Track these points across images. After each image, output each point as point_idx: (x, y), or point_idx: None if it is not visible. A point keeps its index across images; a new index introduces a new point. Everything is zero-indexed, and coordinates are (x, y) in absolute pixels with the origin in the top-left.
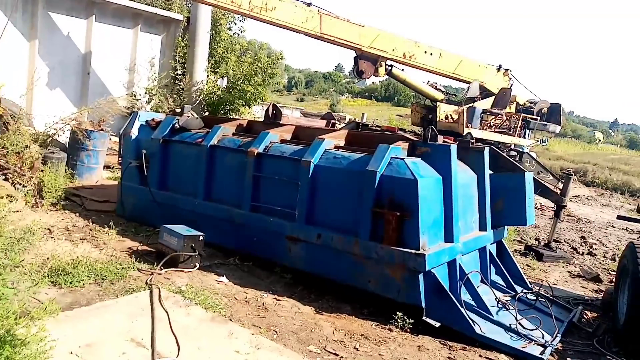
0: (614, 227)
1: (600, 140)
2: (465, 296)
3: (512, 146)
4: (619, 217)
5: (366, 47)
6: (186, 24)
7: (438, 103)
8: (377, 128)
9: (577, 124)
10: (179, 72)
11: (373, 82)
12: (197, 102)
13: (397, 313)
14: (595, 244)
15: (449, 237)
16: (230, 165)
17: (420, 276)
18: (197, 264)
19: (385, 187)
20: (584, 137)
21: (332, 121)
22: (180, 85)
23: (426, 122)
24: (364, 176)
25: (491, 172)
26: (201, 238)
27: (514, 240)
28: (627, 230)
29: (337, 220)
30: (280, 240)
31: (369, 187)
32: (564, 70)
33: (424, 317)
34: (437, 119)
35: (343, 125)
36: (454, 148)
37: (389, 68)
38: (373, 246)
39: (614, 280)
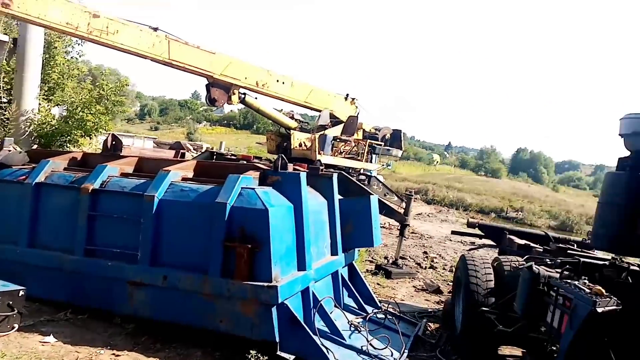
0: (451, 240)
1: (437, 161)
2: (319, 324)
3: (362, 170)
4: (453, 232)
5: (218, 75)
6: (12, 45)
7: (292, 131)
8: (232, 157)
9: (418, 148)
10: (4, 100)
11: (231, 110)
12: (27, 133)
13: (251, 351)
14: (435, 257)
15: (301, 265)
16: (61, 204)
17: (274, 309)
18: (16, 325)
19: (237, 218)
20: (424, 159)
21: (182, 151)
22: (4, 115)
23: (281, 150)
24: (213, 209)
25: (341, 197)
26: (21, 293)
27: (365, 260)
28: (462, 243)
29: (186, 259)
30: (121, 287)
31: (219, 220)
32: (404, 98)
33: (278, 352)
34: (292, 147)
35: (199, 154)
36: (303, 176)
37: (242, 96)
38: (224, 283)
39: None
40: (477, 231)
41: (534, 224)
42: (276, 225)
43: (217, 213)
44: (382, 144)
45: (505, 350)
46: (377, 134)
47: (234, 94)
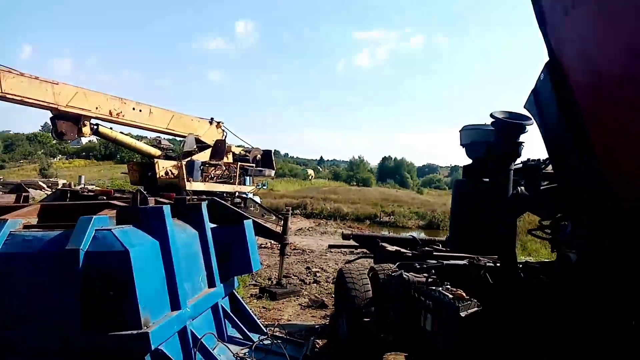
0: (331, 252)
1: (312, 176)
2: None
3: (237, 194)
4: (330, 246)
5: (64, 107)
6: None
7: (155, 159)
8: (90, 193)
9: (293, 164)
10: None
11: (90, 141)
12: None
13: None
14: (318, 271)
15: (175, 305)
16: None
17: (147, 358)
18: None
19: (93, 265)
20: (300, 175)
21: (25, 194)
22: None
23: (147, 180)
24: (64, 257)
25: (214, 225)
26: None
27: (249, 284)
28: (343, 253)
29: (39, 318)
30: None
31: (72, 269)
32: (271, 118)
33: None
34: (157, 176)
35: (48, 194)
36: (167, 208)
37: (95, 127)
38: (87, 337)
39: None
40: (352, 242)
41: (405, 225)
42: (140, 266)
43: (69, 261)
44: (254, 165)
45: (389, 357)
46: (247, 156)
47: (84, 125)
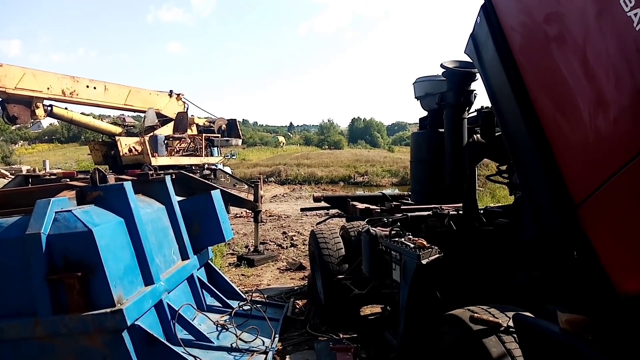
0: (307, 215)
1: (283, 143)
2: (182, 333)
3: (206, 166)
4: (302, 209)
5: (12, 89)
6: None
7: (117, 137)
8: (52, 177)
9: (263, 132)
10: None
11: (51, 124)
12: None
13: None
14: (294, 235)
15: (148, 280)
16: None
17: (125, 334)
18: None
19: (57, 248)
20: (271, 143)
21: None
22: None
23: (110, 159)
24: (26, 243)
25: (182, 198)
26: None
27: (227, 254)
28: (318, 216)
29: (6, 306)
30: None
31: (35, 254)
32: (236, 87)
33: None
34: (121, 154)
35: (8, 181)
36: (129, 185)
37: (49, 108)
38: (59, 320)
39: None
40: (324, 204)
41: (379, 183)
42: (106, 244)
43: (31, 246)
44: (219, 135)
45: (366, 310)
46: (212, 127)
47: (37, 107)
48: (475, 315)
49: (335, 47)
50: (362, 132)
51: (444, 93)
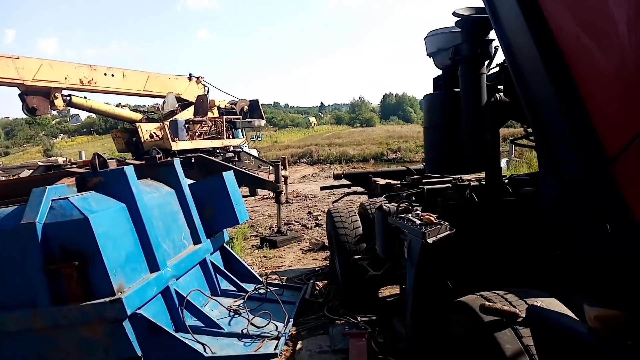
0: (334, 194)
1: (315, 123)
2: (191, 320)
3: (231, 148)
4: (322, 188)
5: (30, 81)
6: None
7: (137, 124)
8: (72, 166)
9: (294, 114)
10: None
11: (89, 116)
12: None
13: None
14: (319, 215)
15: (154, 266)
16: None
17: (126, 323)
18: None
19: (53, 236)
20: (302, 124)
21: None
22: None
23: (132, 146)
24: (21, 232)
25: (192, 181)
26: None
27: (250, 236)
28: (345, 195)
29: (6, 298)
30: None
31: (31, 244)
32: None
33: None
34: (142, 140)
35: (31, 172)
36: (129, 169)
37: (68, 98)
38: (58, 311)
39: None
40: (345, 182)
41: (412, 159)
42: (104, 232)
43: (27, 236)
44: (241, 117)
45: (385, 291)
46: (234, 109)
47: (55, 97)
48: (487, 304)
49: (364, 22)
50: (394, 108)
51: (458, 45)
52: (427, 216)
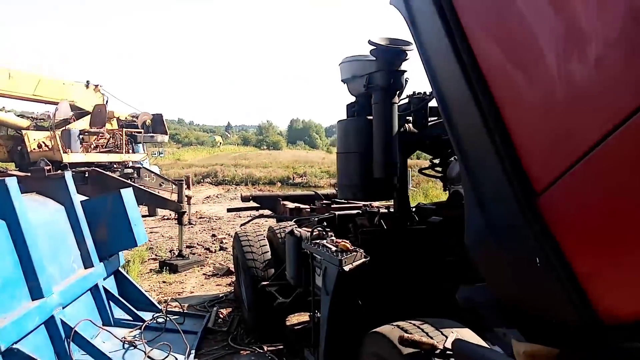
0: (240, 217)
1: (221, 142)
2: (78, 354)
3: (130, 163)
4: (229, 210)
5: None
6: None
7: (24, 131)
8: None
9: (199, 132)
10: None
11: None
12: None
13: None
14: (224, 238)
15: (37, 293)
16: None
17: None
18: None
19: None
20: (207, 143)
21: None
22: None
23: (18, 155)
24: None
25: (85, 198)
26: None
27: (149, 259)
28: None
29: None
30: None
31: None
32: (176, 83)
33: None
34: (29, 150)
35: None
36: (11, 181)
37: None
38: None
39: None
40: (253, 204)
41: (317, 184)
42: None
43: None
44: (143, 131)
45: (293, 319)
46: (135, 122)
47: None
48: (406, 335)
49: (270, 42)
50: (301, 133)
51: (372, 74)
52: (343, 243)
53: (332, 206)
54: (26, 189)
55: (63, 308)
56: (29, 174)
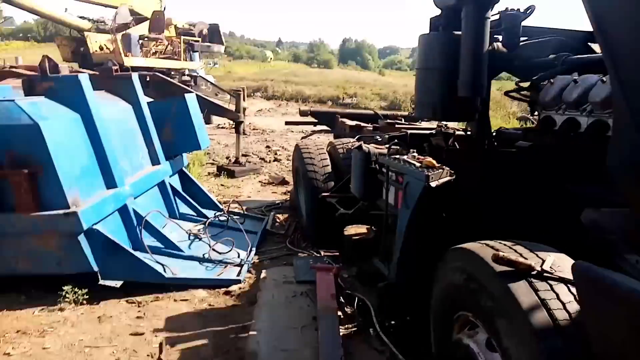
0: (292, 132)
1: (271, 58)
2: (149, 239)
3: (187, 71)
4: (287, 123)
5: None
6: None
7: (86, 33)
8: (11, 69)
9: (250, 46)
10: None
11: (25, 21)
12: None
13: (64, 288)
14: (278, 150)
15: (111, 183)
16: None
17: (82, 237)
18: None
19: None
20: (258, 57)
21: None
22: None
23: (79, 57)
24: None
25: (152, 100)
26: None
27: (207, 163)
28: (303, 132)
29: None
30: None
31: None
32: None
33: (100, 282)
34: (91, 51)
35: None
36: (84, 77)
37: None
38: (6, 219)
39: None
40: (310, 119)
41: (367, 106)
42: (57, 141)
43: None
44: (200, 40)
45: (350, 229)
46: (192, 30)
47: None
48: (502, 254)
49: None
50: (352, 54)
51: None
52: (428, 159)
53: (397, 126)
54: (96, 87)
55: (134, 199)
56: (97, 73)
